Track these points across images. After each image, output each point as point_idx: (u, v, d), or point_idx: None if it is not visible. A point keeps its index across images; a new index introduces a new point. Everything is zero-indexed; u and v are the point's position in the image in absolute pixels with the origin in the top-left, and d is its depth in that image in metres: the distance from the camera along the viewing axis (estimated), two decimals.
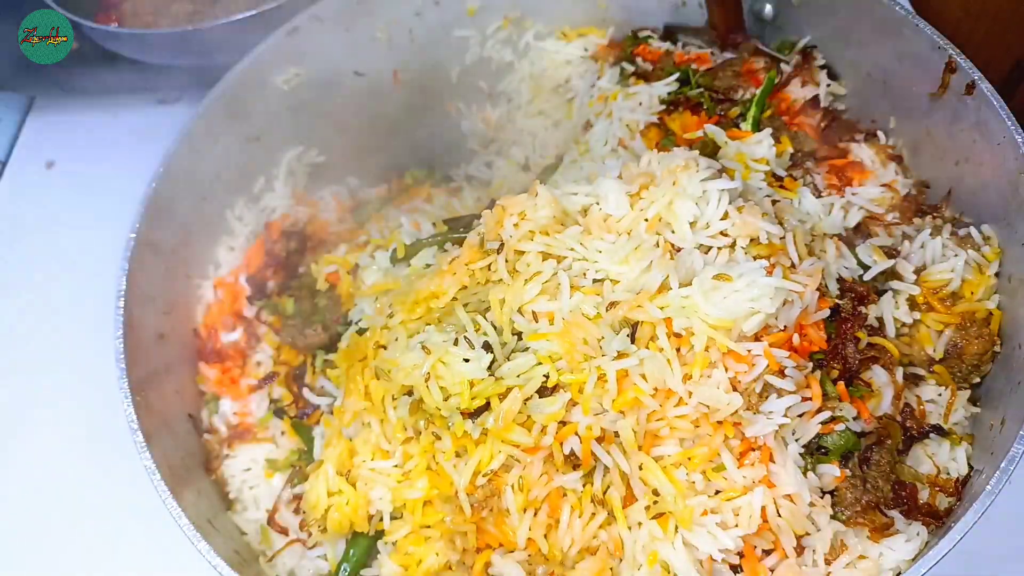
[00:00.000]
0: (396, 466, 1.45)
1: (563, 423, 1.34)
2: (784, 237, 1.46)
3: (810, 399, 1.38)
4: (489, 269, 1.48)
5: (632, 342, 1.36)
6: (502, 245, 1.47)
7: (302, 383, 1.74)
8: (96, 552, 1.90)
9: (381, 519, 1.47)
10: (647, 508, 1.32)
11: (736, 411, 1.31)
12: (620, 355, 1.34)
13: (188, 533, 1.40)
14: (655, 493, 1.32)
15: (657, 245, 1.43)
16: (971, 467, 1.48)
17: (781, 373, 1.35)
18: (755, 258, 1.42)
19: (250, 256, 1.95)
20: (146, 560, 1.85)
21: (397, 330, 1.50)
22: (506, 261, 1.46)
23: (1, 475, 2.04)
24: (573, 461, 1.35)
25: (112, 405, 1.51)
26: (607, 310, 1.39)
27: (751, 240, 1.44)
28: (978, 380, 1.57)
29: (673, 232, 1.45)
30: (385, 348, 1.51)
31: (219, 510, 1.68)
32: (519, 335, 1.42)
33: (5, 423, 2.11)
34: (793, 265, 1.45)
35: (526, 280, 1.42)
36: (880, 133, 1.83)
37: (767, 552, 1.34)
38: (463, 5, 2.10)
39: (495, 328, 1.43)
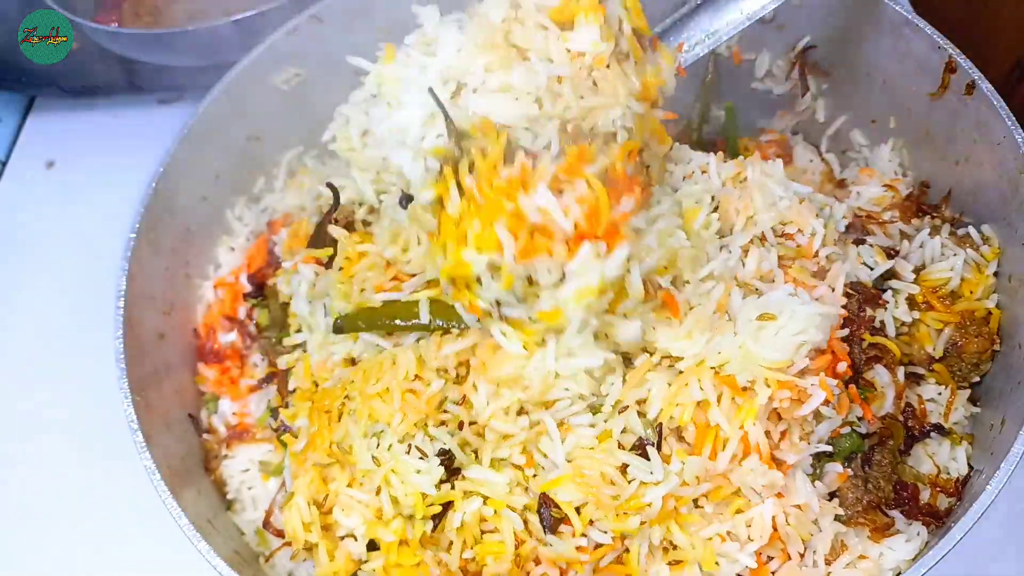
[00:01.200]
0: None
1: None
2: (815, 235, 1.49)
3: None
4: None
5: (658, 448, 1.31)
6: (464, 423, 1.38)
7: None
8: (96, 552, 1.90)
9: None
10: (664, 550, 1.32)
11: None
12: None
13: (188, 533, 1.40)
14: (672, 544, 1.32)
15: (716, 311, 1.39)
16: (971, 467, 1.48)
17: (826, 401, 1.34)
18: (780, 257, 1.45)
19: (251, 255, 1.95)
20: (146, 560, 1.85)
21: (355, 413, 1.43)
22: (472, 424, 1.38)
23: (1, 475, 2.04)
24: None
25: (112, 405, 1.51)
26: (619, 412, 1.33)
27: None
28: (978, 379, 1.57)
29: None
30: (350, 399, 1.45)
31: (219, 510, 1.68)
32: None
33: (5, 423, 2.11)
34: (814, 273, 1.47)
35: (503, 437, 1.35)
36: None
37: (769, 557, 1.35)
38: (463, 6, 2.10)
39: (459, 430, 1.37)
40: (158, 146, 1.78)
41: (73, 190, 2.48)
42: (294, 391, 1.61)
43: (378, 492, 1.37)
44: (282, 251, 1.84)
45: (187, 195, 1.86)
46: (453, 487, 1.36)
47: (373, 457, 1.38)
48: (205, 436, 1.78)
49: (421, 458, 1.35)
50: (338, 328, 1.52)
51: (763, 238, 1.49)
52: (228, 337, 1.87)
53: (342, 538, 1.45)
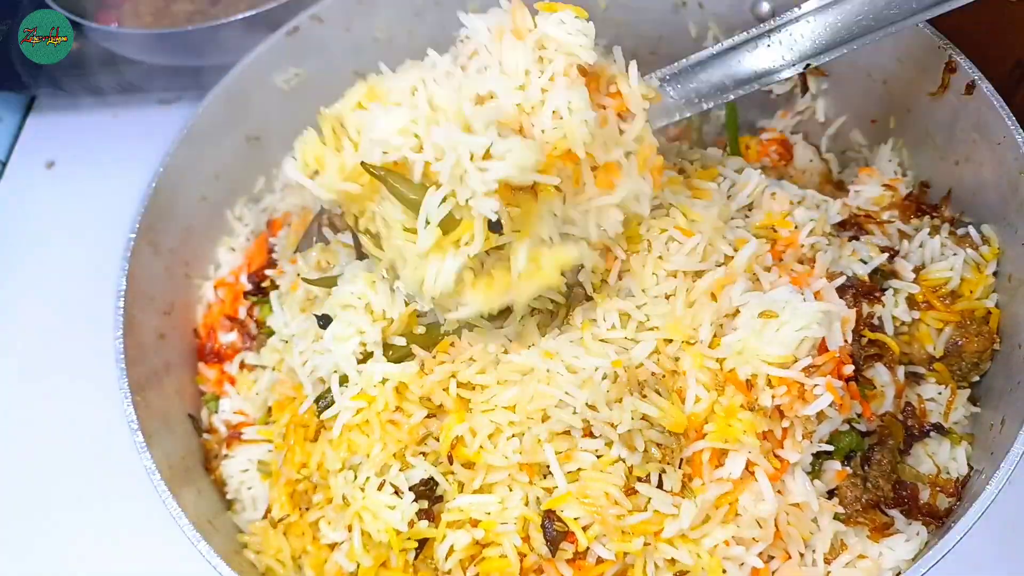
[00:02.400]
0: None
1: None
2: (799, 227, 1.50)
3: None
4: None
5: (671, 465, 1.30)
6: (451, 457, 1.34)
7: None
8: (96, 552, 1.90)
9: None
10: (670, 561, 1.31)
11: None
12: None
13: (188, 533, 1.40)
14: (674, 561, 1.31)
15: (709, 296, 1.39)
16: (971, 467, 1.48)
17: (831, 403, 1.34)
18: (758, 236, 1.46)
19: (251, 255, 1.95)
20: (146, 560, 1.85)
21: (332, 442, 1.42)
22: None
23: (1, 475, 2.04)
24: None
25: (112, 405, 1.51)
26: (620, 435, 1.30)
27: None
28: (977, 379, 1.57)
29: None
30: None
31: (219, 510, 1.68)
32: None
33: (5, 423, 2.11)
34: (801, 260, 1.47)
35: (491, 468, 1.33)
36: None
37: (770, 556, 1.35)
38: (464, 5, 2.10)
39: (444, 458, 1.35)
40: (158, 146, 1.78)
41: (73, 190, 2.48)
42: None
43: (350, 530, 1.36)
44: (281, 251, 1.84)
45: (187, 195, 1.86)
46: (432, 520, 1.34)
47: (344, 496, 1.37)
48: (205, 436, 1.78)
49: (394, 493, 1.34)
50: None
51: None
52: (228, 337, 1.87)
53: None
